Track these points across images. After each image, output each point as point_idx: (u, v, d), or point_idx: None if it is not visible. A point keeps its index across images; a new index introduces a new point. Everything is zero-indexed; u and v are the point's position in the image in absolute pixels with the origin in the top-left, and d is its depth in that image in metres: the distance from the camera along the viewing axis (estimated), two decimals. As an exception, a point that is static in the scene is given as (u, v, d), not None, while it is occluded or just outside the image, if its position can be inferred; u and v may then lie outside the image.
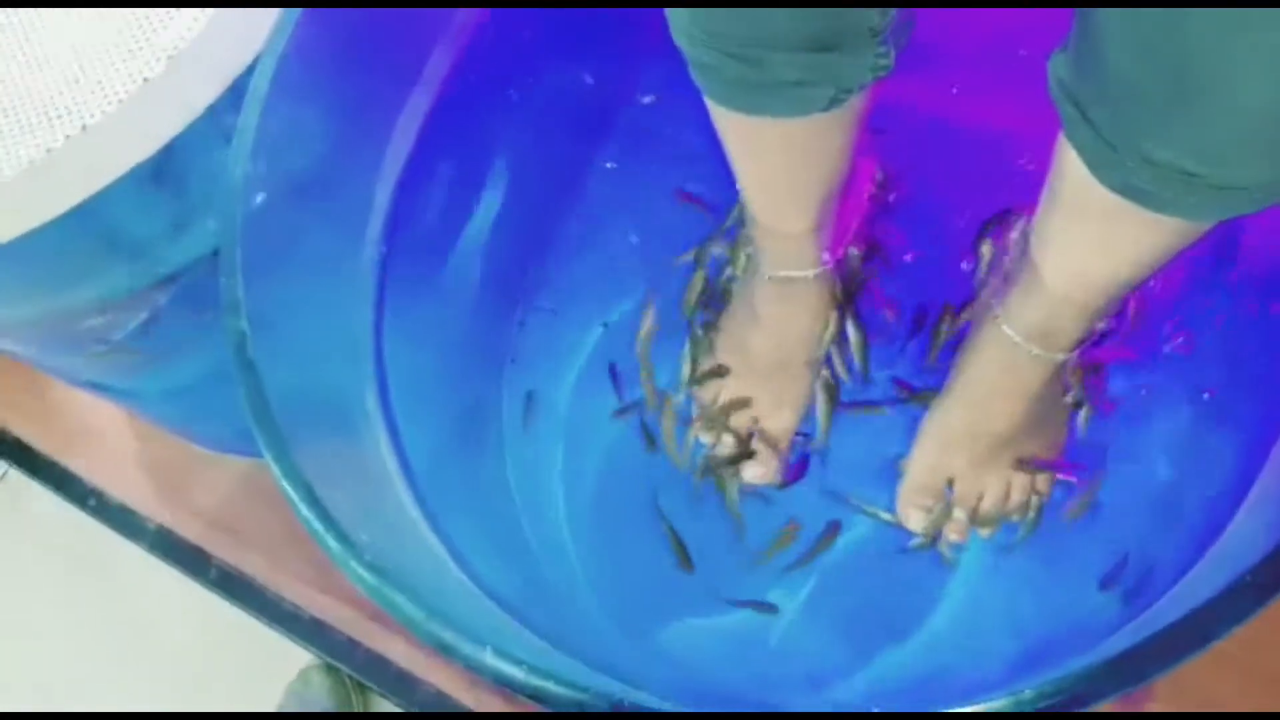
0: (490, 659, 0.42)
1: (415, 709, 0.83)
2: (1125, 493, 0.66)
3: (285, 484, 0.47)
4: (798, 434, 0.73)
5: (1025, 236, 0.61)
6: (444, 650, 0.43)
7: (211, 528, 0.94)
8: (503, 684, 0.42)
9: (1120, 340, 0.69)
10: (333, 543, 0.46)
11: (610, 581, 0.74)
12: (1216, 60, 0.38)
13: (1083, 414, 0.68)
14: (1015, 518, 0.67)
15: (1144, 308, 0.69)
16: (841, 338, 0.71)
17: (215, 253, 0.67)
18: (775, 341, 0.69)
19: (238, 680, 0.93)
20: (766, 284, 0.67)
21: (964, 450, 0.66)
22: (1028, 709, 0.36)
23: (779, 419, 0.72)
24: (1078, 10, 0.43)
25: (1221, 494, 0.52)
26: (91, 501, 0.98)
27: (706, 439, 0.74)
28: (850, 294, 0.71)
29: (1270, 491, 0.45)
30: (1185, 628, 0.36)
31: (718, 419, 0.73)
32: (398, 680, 0.84)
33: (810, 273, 0.66)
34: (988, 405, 0.65)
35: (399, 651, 0.85)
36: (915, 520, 0.69)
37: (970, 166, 0.76)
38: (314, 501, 0.46)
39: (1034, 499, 0.67)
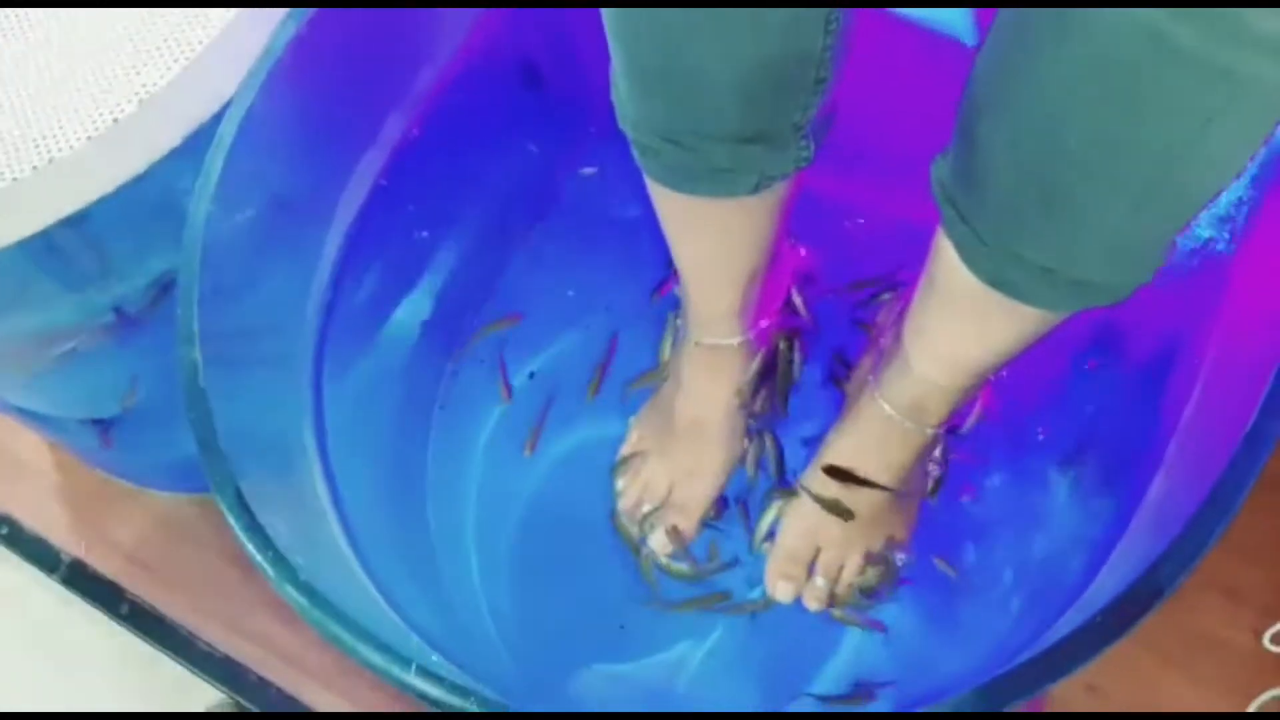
0: (414, 679, 0.45)
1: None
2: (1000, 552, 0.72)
3: (227, 509, 0.49)
4: (711, 525, 0.76)
5: (900, 318, 0.66)
6: (373, 669, 0.45)
7: (128, 563, 0.94)
8: (426, 701, 0.45)
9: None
10: (269, 567, 0.48)
11: (518, 630, 0.76)
12: (1088, 185, 0.44)
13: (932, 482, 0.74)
14: (865, 591, 0.72)
15: (1015, 390, 0.76)
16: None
17: (152, 288, 0.70)
18: (694, 403, 0.74)
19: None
20: (693, 349, 0.72)
21: (837, 518, 0.70)
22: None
23: (692, 487, 0.75)
24: (959, 125, 0.50)
25: (1087, 560, 0.57)
26: (4, 530, 0.97)
27: (622, 506, 0.78)
28: (771, 363, 0.76)
29: (1127, 554, 0.51)
30: (1043, 664, 0.41)
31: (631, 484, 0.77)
32: (308, 723, 0.85)
33: (734, 341, 0.70)
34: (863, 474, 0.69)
35: (310, 694, 0.86)
36: (782, 591, 0.72)
37: (880, 253, 0.83)
38: (254, 526, 0.49)
39: (889, 569, 0.72)
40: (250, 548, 0.48)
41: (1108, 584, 0.49)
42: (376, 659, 0.46)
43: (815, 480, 0.72)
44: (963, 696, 0.41)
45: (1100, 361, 0.73)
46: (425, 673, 0.45)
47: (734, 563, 0.76)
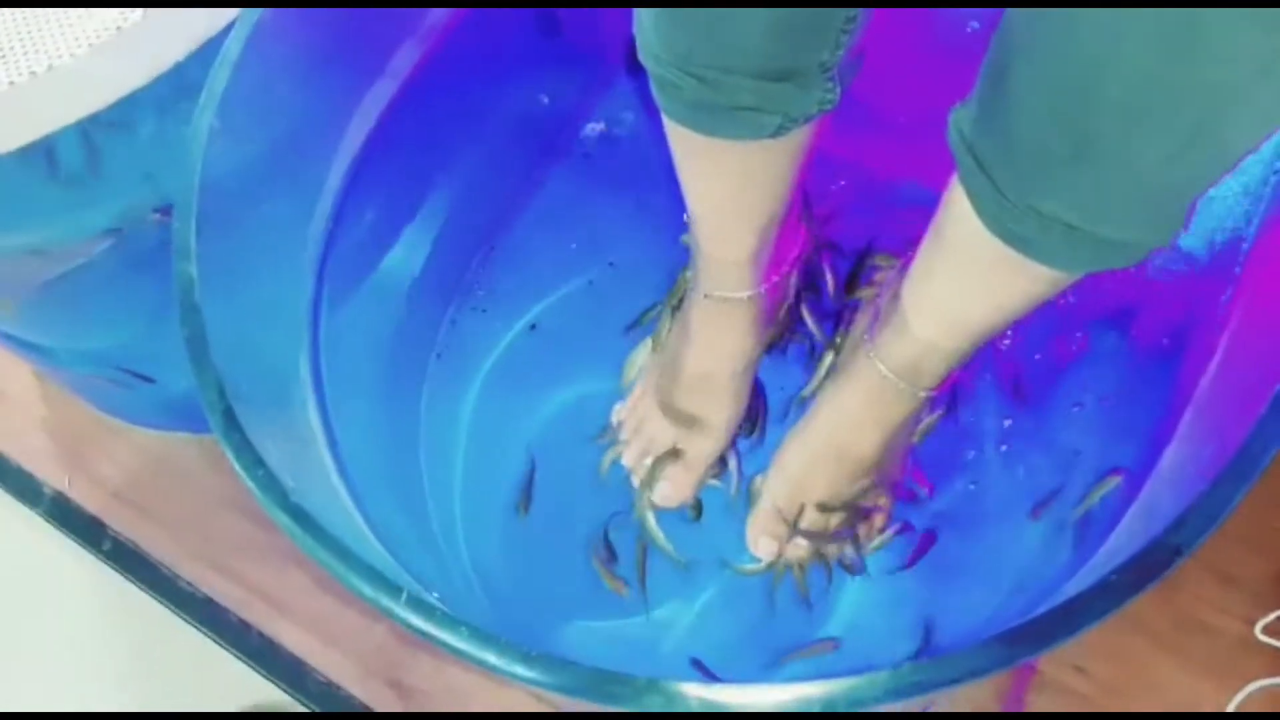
0: (403, 609, 0.44)
1: (305, 696, 0.83)
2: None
3: (216, 426, 0.48)
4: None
5: (900, 276, 0.64)
6: (363, 596, 0.44)
7: (112, 499, 0.93)
8: (417, 633, 0.43)
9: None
10: (258, 487, 0.47)
11: (502, 580, 0.75)
12: (1126, 130, 0.43)
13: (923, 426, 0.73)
14: (849, 551, 0.71)
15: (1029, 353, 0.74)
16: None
17: (157, 211, 0.68)
18: (702, 357, 0.72)
19: (127, 657, 0.91)
20: (703, 302, 0.71)
21: (824, 474, 0.70)
22: (910, 680, 0.39)
23: (697, 442, 0.74)
24: (987, 69, 0.48)
25: (1094, 529, 0.56)
26: (-12, 461, 0.95)
27: (626, 460, 0.77)
28: (781, 319, 0.75)
29: (1139, 518, 0.50)
30: (1051, 622, 0.40)
31: (637, 438, 0.76)
32: (289, 667, 0.84)
33: (745, 294, 0.69)
34: (851, 432, 0.68)
35: (292, 638, 0.85)
36: (764, 547, 0.71)
37: (894, 210, 0.81)
38: (245, 445, 0.47)
39: (878, 524, 0.71)
40: (238, 464, 0.46)
41: (1118, 548, 0.48)
42: (366, 587, 0.44)
43: (803, 440, 0.71)
44: (962, 653, 0.40)
45: (1118, 329, 0.72)
46: (416, 603, 0.43)
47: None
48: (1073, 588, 0.42)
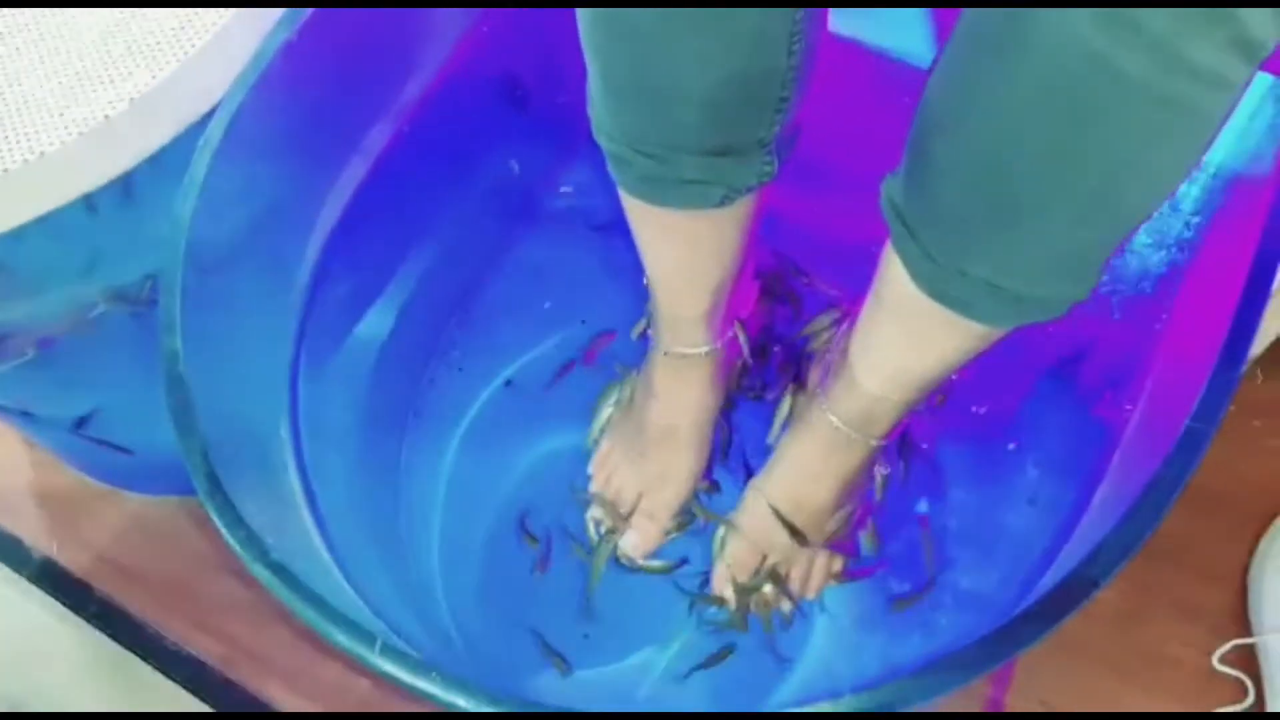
0: (378, 658, 0.47)
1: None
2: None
3: (201, 490, 0.51)
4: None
5: (848, 332, 0.69)
6: (339, 646, 0.47)
7: (99, 562, 0.95)
8: (390, 679, 0.46)
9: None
10: (240, 546, 0.50)
11: (481, 632, 0.77)
12: (1035, 198, 0.47)
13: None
14: (811, 596, 0.75)
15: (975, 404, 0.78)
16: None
17: (143, 282, 0.71)
18: (665, 411, 0.76)
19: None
20: (662, 359, 0.75)
21: (784, 522, 0.73)
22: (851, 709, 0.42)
23: (661, 493, 0.78)
24: (911, 143, 0.52)
25: (1035, 565, 0.59)
26: (-24, 528, 0.97)
27: (596, 514, 0.80)
28: (734, 373, 0.79)
29: (1069, 557, 0.53)
30: (981, 651, 0.43)
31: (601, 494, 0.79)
32: (273, 723, 0.86)
33: (702, 350, 0.73)
34: (809, 481, 0.72)
35: (277, 694, 0.86)
36: (730, 594, 0.74)
37: (845, 263, 0.85)
38: (227, 506, 0.50)
39: (836, 569, 0.75)
40: (221, 526, 0.49)
41: (1048, 585, 0.51)
42: (341, 637, 0.47)
43: (764, 491, 0.74)
44: (892, 684, 0.43)
45: (1058, 380, 0.75)
46: (389, 650, 0.46)
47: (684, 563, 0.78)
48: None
